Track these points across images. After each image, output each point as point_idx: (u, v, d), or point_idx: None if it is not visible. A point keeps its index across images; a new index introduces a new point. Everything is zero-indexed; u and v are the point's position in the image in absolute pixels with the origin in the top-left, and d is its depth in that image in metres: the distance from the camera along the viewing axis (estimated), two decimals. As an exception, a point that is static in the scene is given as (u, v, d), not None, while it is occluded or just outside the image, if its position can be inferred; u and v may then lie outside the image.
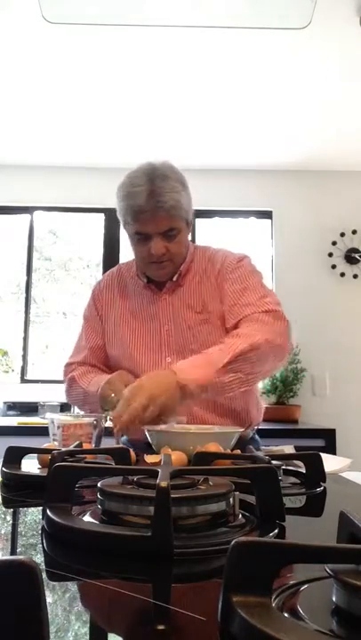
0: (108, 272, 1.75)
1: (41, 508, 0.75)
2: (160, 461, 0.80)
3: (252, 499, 0.67)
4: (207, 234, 3.68)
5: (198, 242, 3.98)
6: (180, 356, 1.45)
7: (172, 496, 0.55)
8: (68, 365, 1.65)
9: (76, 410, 2.89)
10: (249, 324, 1.35)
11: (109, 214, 3.77)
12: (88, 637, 0.40)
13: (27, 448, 0.98)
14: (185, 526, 0.60)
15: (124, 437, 1.62)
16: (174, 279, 1.57)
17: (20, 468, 0.94)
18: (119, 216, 1.54)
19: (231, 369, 1.26)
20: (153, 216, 1.42)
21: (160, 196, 1.41)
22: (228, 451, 1.11)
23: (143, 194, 1.41)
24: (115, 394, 1.33)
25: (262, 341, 1.29)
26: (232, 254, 1.58)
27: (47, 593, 0.43)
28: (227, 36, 2.32)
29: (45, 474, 0.81)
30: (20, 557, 0.32)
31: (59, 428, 1.22)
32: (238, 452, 1.10)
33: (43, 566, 0.53)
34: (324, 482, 0.94)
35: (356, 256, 3.63)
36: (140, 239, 1.49)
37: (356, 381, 3.53)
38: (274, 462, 0.90)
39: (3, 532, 0.68)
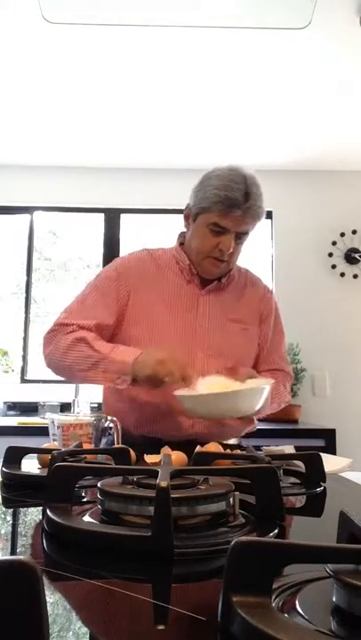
0: (134, 252, 1.67)
1: (41, 508, 0.75)
2: (160, 461, 0.80)
3: (252, 499, 0.67)
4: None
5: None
6: (211, 354, 1.50)
7: (172, 496, 0.55)
8: (66, 325, 1.51)
9: (75, 410, 2.90)
10: (286, 384, 1.68)
11: (109, 214, 3.77)
12: (88, 637, 0.40)
13: (27, 448, 0.98)
14: (185, 526, 0.60)
15: (110, 437, 1.62)
16: (223, 280, 1.61)
17: (20, 468, 0.95)
18: (197, 203, 1.52)
19: (271, 407, 1.59)
20: (242, 215, 1.46)
21: (254, 200, 1.47)
22: (254, 413, 1.22)
23: (241, 192, 1.45)
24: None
25: (288, 401, 1.72)
26: (266, 286, 1.76)
27: (47, 593, 0.43)
28: (227, 36, 2.32)
29: (45, 474, 0.81)
30: (20, 557, 0.32)
31: (59, 428, 1.22)
32: (238, 451, 1.10)
33: (43, 566, 0.53)
34: (324, 482, 0.95)
35: (357, 256, 3.62)
36: (213, 231, 1.49)
37: (357, 381, 3.53)
38: (274, 462, 0.90)
39: (3, 531, 0.68)
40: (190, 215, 1.57)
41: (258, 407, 1.30)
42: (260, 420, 1.72)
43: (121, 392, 1.51)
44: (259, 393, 1.29)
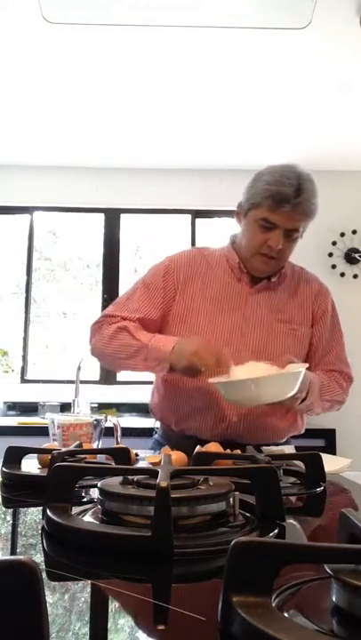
0: (184, 251, 1.67)
1: (41, 508, 0.75)
2: (160, 461, 0.80)
3: (252, 499, 0.67)
4: (207, 234, 3.68)
5: (198, 242, 3.98)
6: (258, 355, 1.46)
7: (172, 496, 0.55)
8: (110, 317, 1.55)
9: (75, 410, 2.90)
10: (343, 383, 1.66)
11: (109, 214, 3.77)
12: (88, 637, 0.40)
13: (27, 448, 0.98)
14: (185, 526, 0.60)
15: (157, 435, 1.63)
16: (273, 279, 1.59)
17: (20, 468, 0.95)
18: (248, 199, 1.52)
19: (321, 404, 1.56)
20: (292, 211, 1.45)
21: (307, 196, 1.46)
22: (293, 395, 1.26)
23: (292, 187, 1.44)
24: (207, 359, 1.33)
25: (342, 401, 1.69)
26: (322, 284, 1.72)
27: (47, 593, 0.43)
28: (227, 35, 2.32)
29: (45, 474, 0.81)
30: (20, 557, 0.32)
31: (59, 428, 1.22)
32: (238, 452, 1.10)
33: (43, 566, 0.53)
34: (324, 482, 0.95)
35: (357, 256, 3.62)
36: (263, 226, 1.48)
37: (357, 381, 3.52)
38: (274, 462, 0.90)
39: (3, 531, 0.68)
40: (241, 212, 1.56)
41: (290, 393, 1.28)
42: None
43: (162, 389, 1.56)
44: (286, 378, 1.28)
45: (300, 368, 1.31)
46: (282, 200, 1.43)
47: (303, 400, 1.42)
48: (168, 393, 1.54)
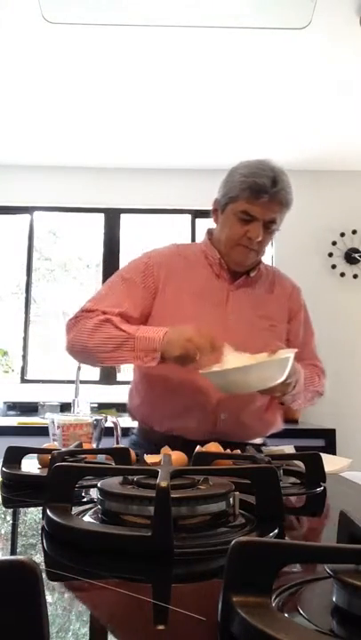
0: (162, 247, 1.66)
1: (41, 508, 0.75)
2: (160, 461, 0.80)
3: (252, 499, 0.67)
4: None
5: (198, 242, 3.99)
6: (238, 350, 1.44)
7: (172, 496, 0.55)
8: (88, 311, 1.50)
9: (75, 410, 2.90)
10: (320, 375, 1.68)
11: (109, 214, 3.77)
12: (88, 637, 0.40)
13: (27, 448, 0.98)
14: (185, 526, 0.60)
15: (133, 436, 1.63)
16: (251, 274, 1.60)
17: (20, 468, 0.95)
18: (225, 193, 1.53)
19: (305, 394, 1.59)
20: (270, 201, 1.47)
21: (282, 186, 1.48)
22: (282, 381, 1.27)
23: (269, 178, 1.46)
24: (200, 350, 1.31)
25: (322, 393, 1.71)
26: (295, 282, 1.76)
27: (47, 593, 0.43)
28: (227, 35, 2.32)
29: (45, 474, 0.81)
30: (20, 557, 0.32)
31: (59, 427, 1.22)
32: (238, 452, 1.10)
33: (43, 566, 0.53)
34: (324, 482, 0.95)
35: (357, 256, 3.62)
36: (242, 219, 1.50)
37: (357, 381, 3.53)
38: (274, 462, 0.90)
39: (3, 531, 0.68)
40: (218, 208, 1.57)
41: (281, 378, 1.30)
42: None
43: (145, 389, 1.54)
44: (278, 363, 1.30)
45: (290, 353, 1.32)
46: (260, 190, 1.45)
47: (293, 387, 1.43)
48: (152, 392, 1.52)
